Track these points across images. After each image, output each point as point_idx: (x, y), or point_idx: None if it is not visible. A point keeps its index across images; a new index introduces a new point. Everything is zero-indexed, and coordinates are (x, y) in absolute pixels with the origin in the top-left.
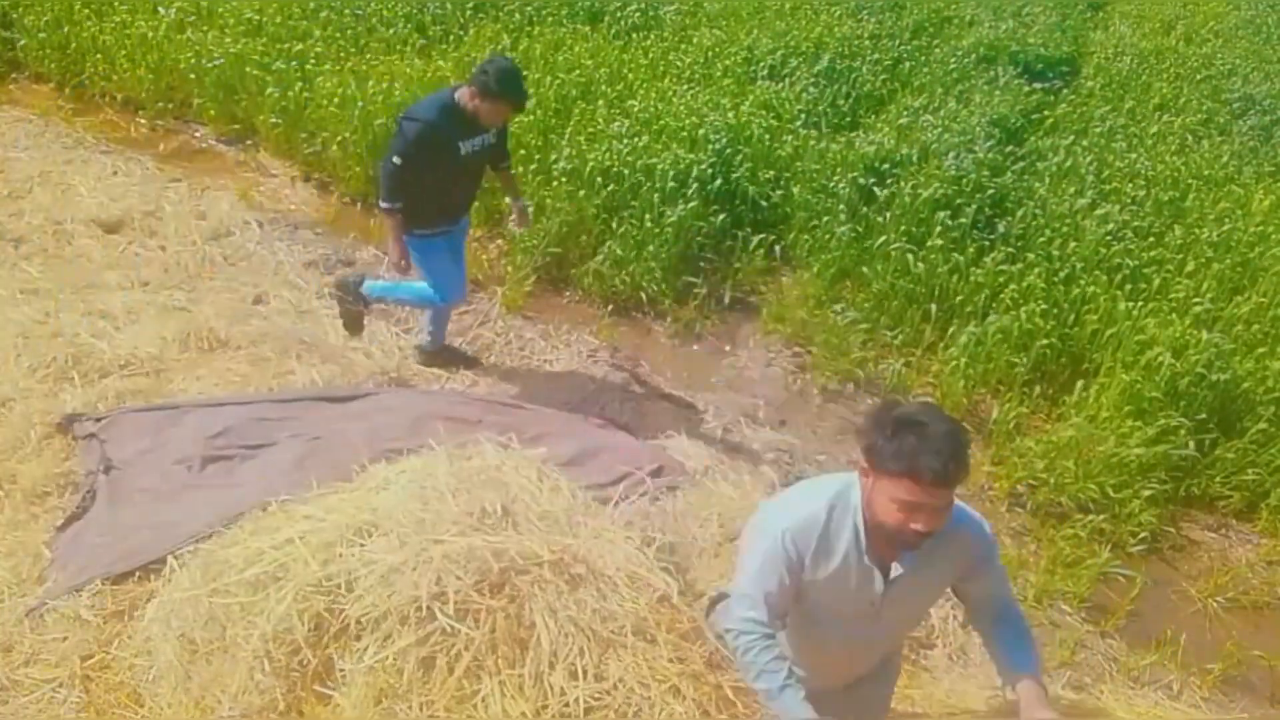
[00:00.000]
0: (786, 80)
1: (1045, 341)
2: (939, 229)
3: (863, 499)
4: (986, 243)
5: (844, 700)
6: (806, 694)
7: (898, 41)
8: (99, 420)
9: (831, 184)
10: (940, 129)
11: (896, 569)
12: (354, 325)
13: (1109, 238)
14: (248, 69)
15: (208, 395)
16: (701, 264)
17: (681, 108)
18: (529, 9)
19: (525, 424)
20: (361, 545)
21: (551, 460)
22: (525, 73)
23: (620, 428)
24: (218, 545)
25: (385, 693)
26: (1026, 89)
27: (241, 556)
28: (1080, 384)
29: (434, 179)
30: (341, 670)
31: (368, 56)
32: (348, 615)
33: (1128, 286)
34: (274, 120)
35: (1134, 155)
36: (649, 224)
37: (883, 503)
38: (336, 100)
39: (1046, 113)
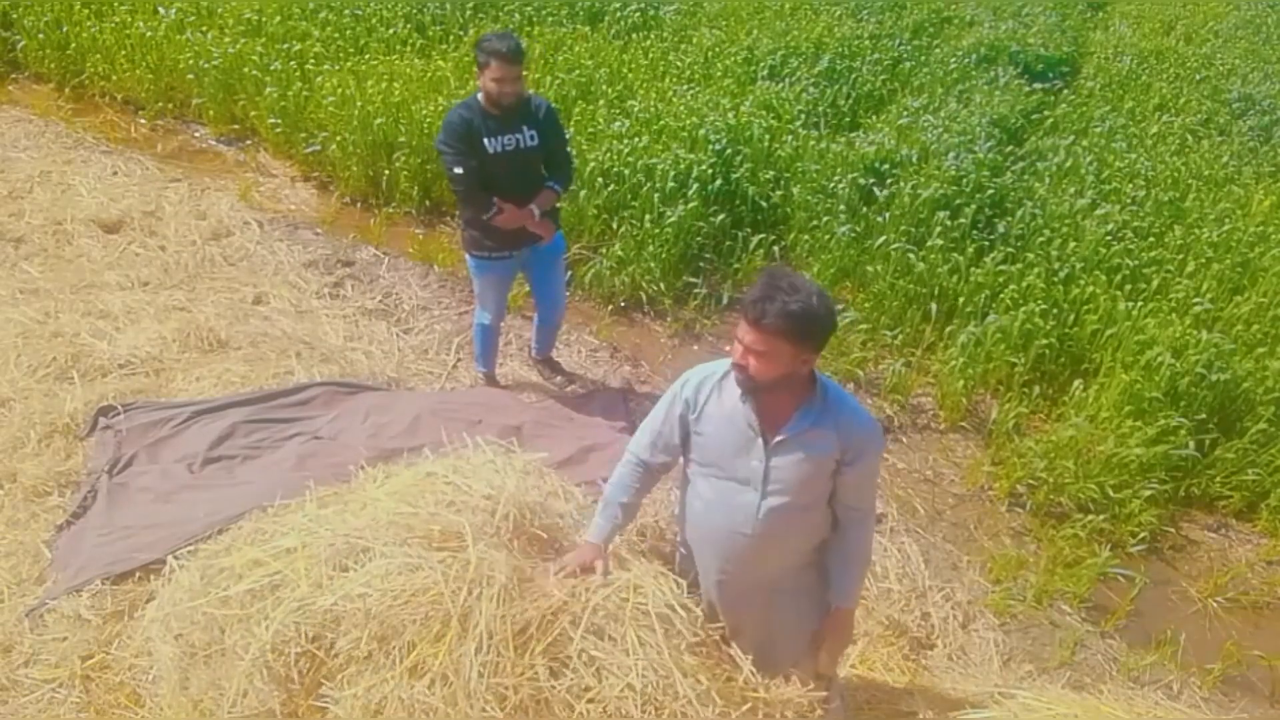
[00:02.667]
0: (786, 80)
1: (1045, 341)
2: (939, 229)
3: None
4: (986, 243)
5: (749, 611)
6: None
7: (898, 41)
8: (126, 408)
9: (831, 184)
10: (940, 129)
11: (782, 433)
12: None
13: (1109, 238)
14: (247, 69)
15: (221, 394)
16: (701, 264)
17: (681, 108)
18: (529, 9)
19: (525, 423)
20: (347, 574)
21: (550, 458)
22: (525, 73)
23: (619, 427)
24: (216, 550)
25: (383, 706)
26: (1026, 89)
27: (239, 564)
28: (1080, 384)
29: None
30: (335, 697)
31: (367, 56)
32: (338, 648)
33: (1128, 286)
34: (274, 120)
35: (1134, 155)
36: (649, 224)
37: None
38: (336, 100)
39: (1046, 113)
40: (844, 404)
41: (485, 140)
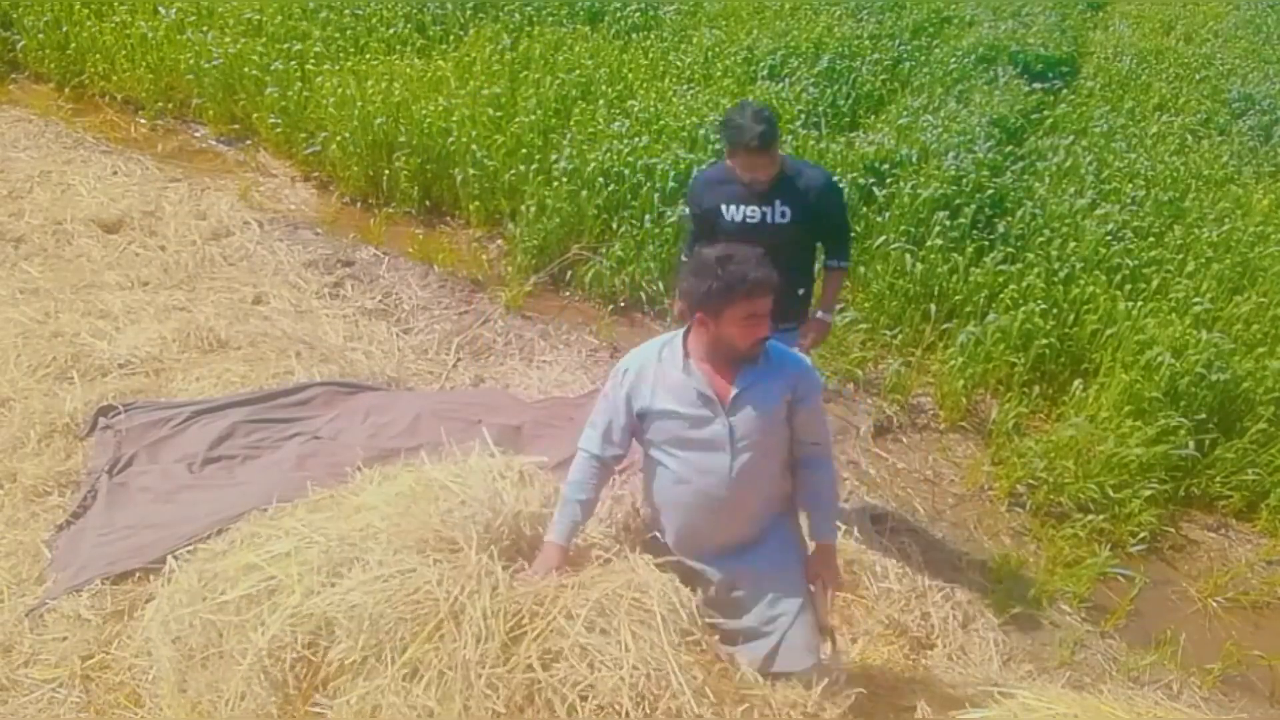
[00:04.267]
0: (786, 80)
1: (1045, 341)
2: (938, 229)
3: (697, 345)
4: (986, 243)
5: (747, 572)
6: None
7: (898, 41)
8: (126, 408)
9: None
10: (940, 129)
11: (735, 389)
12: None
13: (1109, 238)
14: (247, 69)
15: (221, 394)
16: None
17: (681, 108)
18: (529, 9)
19: (525, 423)
20: (339, 580)
21: (550, 459)
22: (525, 72)
23: None
24: (214, 552)
25: (378, 710)
26: (1026, 89)
27: (233, 568)
28: (1080, 384)
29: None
30: (330, 705)
31: (368, 56)
32: (331, 656)
33: (1127, 286)
34: (274, 120)
35: (1134, 155)
36: (649, 224)
37: (733, 326)
38: (336, 100)
39: (1046, 113)
40: (776, 348)
41: (721, 205)
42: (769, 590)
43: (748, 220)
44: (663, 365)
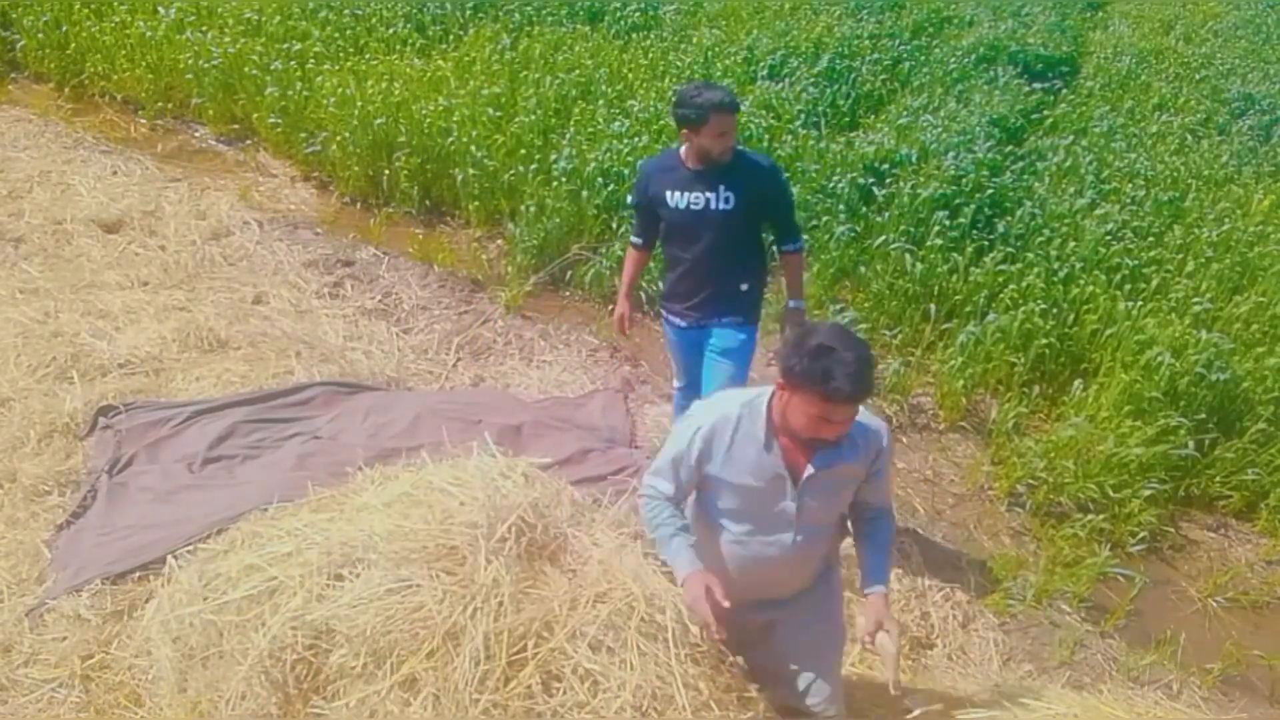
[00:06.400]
0: (786, 80)
1: (1044, 341)
2: (938, 229)
3: (775, 408)
4: (986, 242)
5: (788, 616)
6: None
7: (898, 41)
8: (126, 408)
9: (831, 184)
10: (940, 129)
11: (809, 470)
12: None
13: (1108, 238)
14: (247, 69)
15: (221, 394)
16: None
17: None
18: (529, 9)
19: (525, 423)
20: (342, 584)
21: (549, 458)
22: (525, 73)
23: (619, 427)
24: (214, 552)
25: (375, 714)
26: (1026, 89)
27: (234, 569)
28: (1080, 384)
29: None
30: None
31: (367, 56)
32: (330, 662)
33: (1127, 286)
34: (274, 120)
35: (1133, 155)
36: None
37: (798, 414)
38: (336, 100)
39: (1046, 113)
40: (857, 423)
41: (667, 192)
42: (808, 636)
43: (691, 207)
44: (739, 434)
